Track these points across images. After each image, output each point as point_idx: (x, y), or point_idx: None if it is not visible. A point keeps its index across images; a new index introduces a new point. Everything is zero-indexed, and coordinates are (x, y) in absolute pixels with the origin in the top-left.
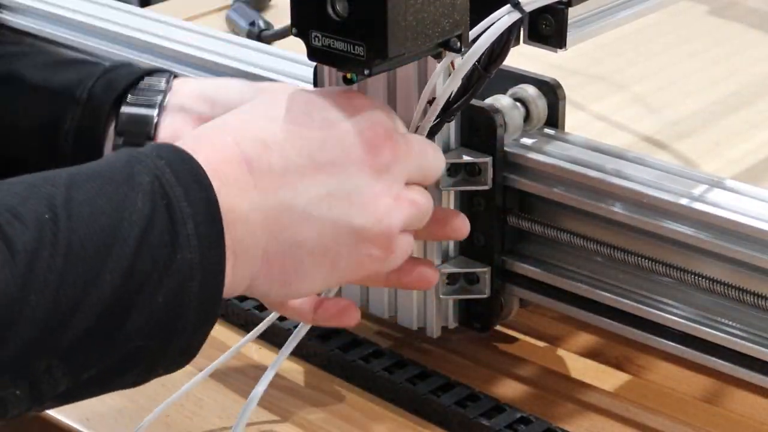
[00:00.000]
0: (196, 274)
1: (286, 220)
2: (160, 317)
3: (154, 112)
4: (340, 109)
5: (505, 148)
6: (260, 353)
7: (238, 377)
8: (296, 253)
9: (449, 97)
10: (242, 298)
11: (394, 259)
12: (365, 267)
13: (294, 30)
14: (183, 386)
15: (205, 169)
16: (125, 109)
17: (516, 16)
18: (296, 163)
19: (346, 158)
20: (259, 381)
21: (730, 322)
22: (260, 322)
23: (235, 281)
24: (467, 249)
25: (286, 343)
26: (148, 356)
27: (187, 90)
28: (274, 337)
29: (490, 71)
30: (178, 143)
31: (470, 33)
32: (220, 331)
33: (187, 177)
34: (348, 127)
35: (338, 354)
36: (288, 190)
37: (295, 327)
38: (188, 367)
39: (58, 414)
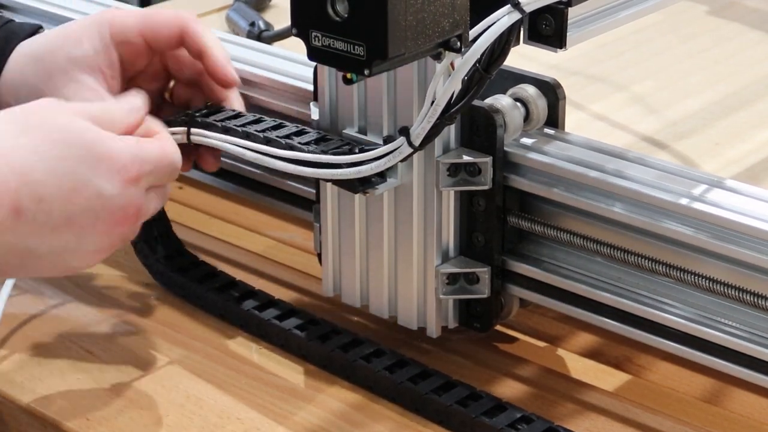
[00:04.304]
0: None
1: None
2: None
3: None
4: (115, 179)
5: (505, 148)
6: (260, 353)
7: (239, 378)
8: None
9: (450, 98)
10: (241, 299)
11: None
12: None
13: (294, 30)
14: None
15: None
16: None
17: (516, 16)
18: (55, 221)
19: (93, 226)
20: None
21: (730, 322)
22: (260, 322)
23: None
24: (467, 249)
25: None
26: None
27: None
28: (274, 337)
29: (490, 72)
30: None
31: (470, 33)
32: (219, 330)
33: None
34: (108, 205)
35: (338, 354)
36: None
37: (296, 327)
38: (182, 368)
39: (58, 414)
